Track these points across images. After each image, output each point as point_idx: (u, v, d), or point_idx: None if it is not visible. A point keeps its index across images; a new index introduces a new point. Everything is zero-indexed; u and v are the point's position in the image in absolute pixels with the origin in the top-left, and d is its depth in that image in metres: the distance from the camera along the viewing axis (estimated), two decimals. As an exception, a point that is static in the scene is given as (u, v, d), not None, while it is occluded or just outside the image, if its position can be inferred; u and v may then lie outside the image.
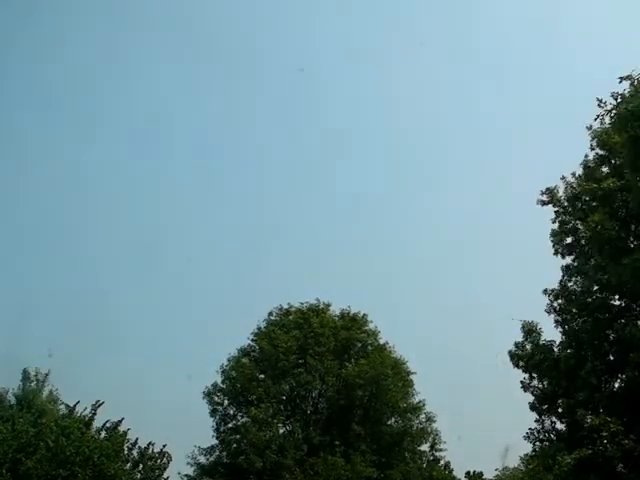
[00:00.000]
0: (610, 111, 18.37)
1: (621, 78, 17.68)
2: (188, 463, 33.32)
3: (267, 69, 71.06)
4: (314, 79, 68.75)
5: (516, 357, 21.81)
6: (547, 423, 21.44)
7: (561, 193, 22.25)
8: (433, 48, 67.81)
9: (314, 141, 68.59)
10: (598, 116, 18.72)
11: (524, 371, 21.72)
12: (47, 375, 27.93)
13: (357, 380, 33.65)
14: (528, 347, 21.88)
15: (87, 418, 24.56)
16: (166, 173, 67.93)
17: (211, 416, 34.32)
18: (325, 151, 69.98)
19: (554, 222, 22.24)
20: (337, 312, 36.86)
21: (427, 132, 67.67)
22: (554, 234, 22.10)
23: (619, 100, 18.05)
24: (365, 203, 63.15)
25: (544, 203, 22.26)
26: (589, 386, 19.58)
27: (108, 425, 24.62)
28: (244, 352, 35.47)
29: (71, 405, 25.64)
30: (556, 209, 22.18)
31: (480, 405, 44.71)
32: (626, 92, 17.75)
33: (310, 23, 72.23)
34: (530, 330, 21.95)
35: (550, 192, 22.25)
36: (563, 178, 22.29)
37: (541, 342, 21.78)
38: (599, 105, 18.29)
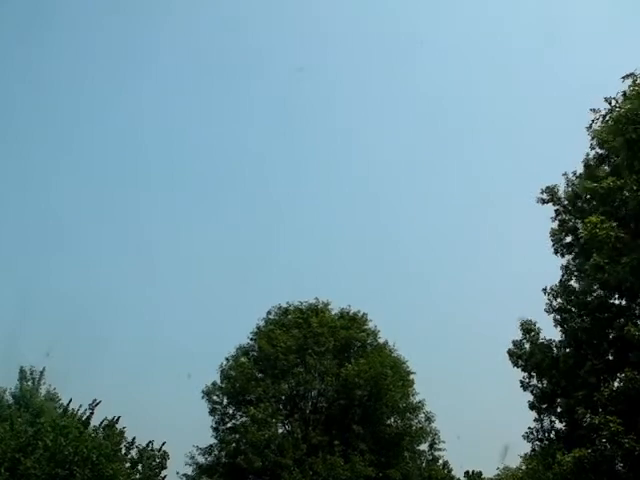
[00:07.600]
0: (605, 116, 18.74)
1: (624, 77, 17.72)
2: (187, 463, 33.37)
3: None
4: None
5: (515, 356, 21.73)
6: (546, 422, 21.38)
7: (561, 191, 22.17)
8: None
9: (315, 139, 68.63)
10: (593, 121, 19.86)
11: (523, 370, 21.66)
12: (42, 373, 27.75)
13: (356, 380, 33.53)
14: (527, 346, 21.80)
15: (84, 417, 24.49)
16: (164, 172, 68.00)
17: (210, 415, 34.36)
18: (326, 149, 70.08)
19: (554, 220, 22.19)
20: (336, 311, 36.81)
21: (426, 131, 67.84)
22: (554, 233, 22.01)
23: (613, 104, 18.35)
24: (366, 203, 63.32)
25: (544, 201, 22.16)
26: (588, 385, 19.48)
27: (105, 423, 24.54)
28: (243, 351, 35.45)
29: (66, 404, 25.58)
30: (556, 207, 22.09)
31: (480, 405, 44.70)
32: (628, 90, 17.78)
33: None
34: (529, 329, 21.87)
35: (550, 190, 22.15)
36: (565, 174, 22.22)
37: (540, 341, 21.72)
38: (593, 110, 18.83)
